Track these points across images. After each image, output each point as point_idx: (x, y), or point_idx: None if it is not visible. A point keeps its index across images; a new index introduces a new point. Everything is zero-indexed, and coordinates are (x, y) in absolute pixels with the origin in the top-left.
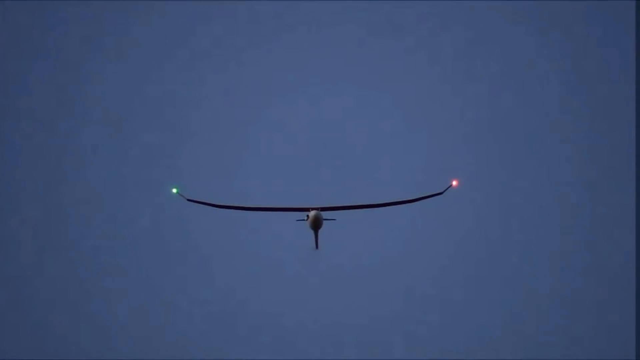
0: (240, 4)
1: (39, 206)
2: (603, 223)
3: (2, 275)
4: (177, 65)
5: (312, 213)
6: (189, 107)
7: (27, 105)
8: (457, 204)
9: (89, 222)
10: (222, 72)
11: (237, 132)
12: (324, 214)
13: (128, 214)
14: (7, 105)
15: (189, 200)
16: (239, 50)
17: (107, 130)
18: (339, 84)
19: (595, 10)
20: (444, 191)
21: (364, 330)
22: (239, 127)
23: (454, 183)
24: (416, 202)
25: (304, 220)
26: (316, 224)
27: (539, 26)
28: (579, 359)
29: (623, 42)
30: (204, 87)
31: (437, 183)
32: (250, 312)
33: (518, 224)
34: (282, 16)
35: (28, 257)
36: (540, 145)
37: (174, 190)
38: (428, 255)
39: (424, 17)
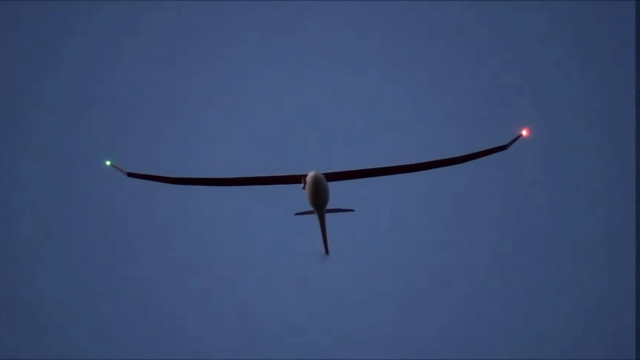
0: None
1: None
2: (603, 223)
3: None
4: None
5: (310, 175)
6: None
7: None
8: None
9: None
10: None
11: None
12: (332, 197)
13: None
14: (6, 105)
15: (129, 175)
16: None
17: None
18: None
19: (595, 10)
20: (510, 144)
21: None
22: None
23: (524, 133)
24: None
25: (310, 212)
26: (318, 194)
27: (537, 26)
28: (579, 359)
29: (623, 42)
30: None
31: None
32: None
33: (517, 224)
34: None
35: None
36: (538, 145)
37: (108, 163)
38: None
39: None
